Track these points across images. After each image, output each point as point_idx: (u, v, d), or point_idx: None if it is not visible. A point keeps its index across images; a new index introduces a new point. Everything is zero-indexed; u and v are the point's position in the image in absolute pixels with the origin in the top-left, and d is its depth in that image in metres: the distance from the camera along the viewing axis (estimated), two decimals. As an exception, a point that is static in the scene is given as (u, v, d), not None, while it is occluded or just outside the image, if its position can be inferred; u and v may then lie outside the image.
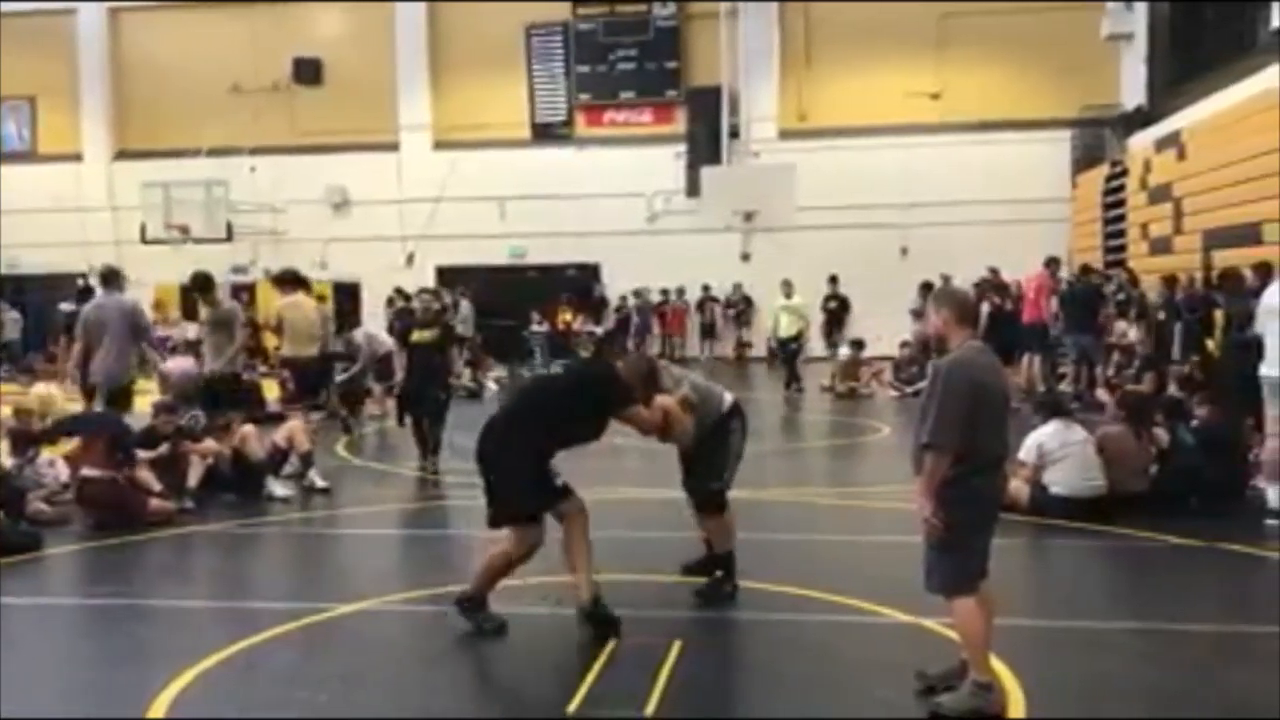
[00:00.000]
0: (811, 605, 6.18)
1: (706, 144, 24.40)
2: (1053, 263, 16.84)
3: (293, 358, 10.66)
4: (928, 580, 4.74)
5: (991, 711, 4.55)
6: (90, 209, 26.72)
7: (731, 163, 23.80)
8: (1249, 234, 14.55)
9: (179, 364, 12.11)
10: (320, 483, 9.64)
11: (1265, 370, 8.10)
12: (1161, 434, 8.75)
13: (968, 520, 4.60)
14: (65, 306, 24.35)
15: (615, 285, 25.47)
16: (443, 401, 10.76)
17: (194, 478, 9.15)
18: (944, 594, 4.70)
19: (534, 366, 22.40)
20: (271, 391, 16.38)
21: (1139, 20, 22.26)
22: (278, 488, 9.41)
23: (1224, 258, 14.10)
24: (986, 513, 4.75)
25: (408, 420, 10.98)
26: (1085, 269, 16.99)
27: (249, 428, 9.56)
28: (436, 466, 10.48)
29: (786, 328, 18.37)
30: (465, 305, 23.12)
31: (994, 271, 18.61)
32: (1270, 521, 7.91)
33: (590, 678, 5.02)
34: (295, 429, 9.78)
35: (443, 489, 10.09)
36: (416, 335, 10.76)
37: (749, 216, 22.64)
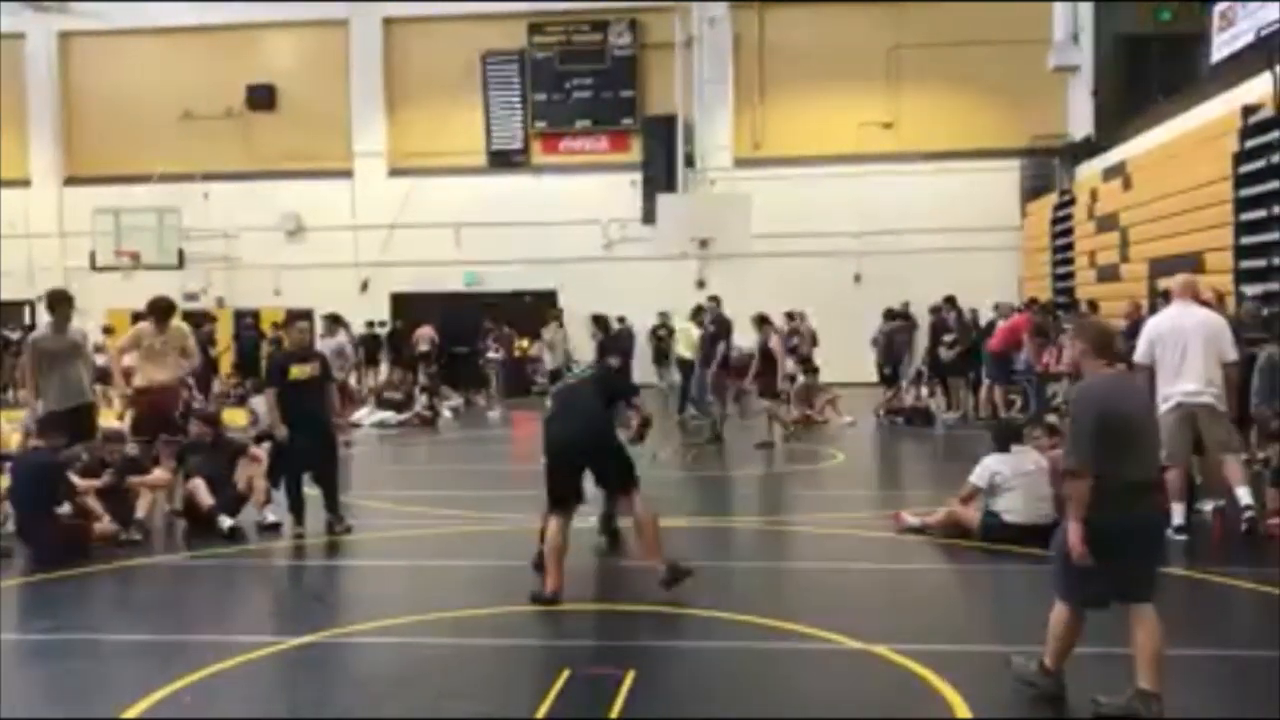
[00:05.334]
0: (764, 633, 6.18)
1: (662, 172, 24.55)
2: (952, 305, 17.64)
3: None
4: (1054, 581, 5.04)
5: (1043, 688, 5.03)
6: (38, 235, 26.33)
7: (687, 191, 23.95)
8: (1193, 263, 14.83)
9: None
10: (270, 518, 9.28)
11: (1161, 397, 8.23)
12: None
13: (1095, 539, 4.74)
14: (9, 334, 23.99)
15: (571, 312, 25.45)
16: (333, 449, 9.44)
17: (142, 509, 9.02)
18: (1057, 597, 4.98)
19: (490, 394, 22.33)
20: (237, 419, 16.31)
21: (1085, 54, 22.74)
22: (270, 514, 9.26)
23: (1169, 286, 14.33)
24: (1115, 539, 4.75)
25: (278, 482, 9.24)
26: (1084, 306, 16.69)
27: (198, 481, 9.25)
28: (344, 523, 9.13)
29: (684, 349, 18.45)
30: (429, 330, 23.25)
31: (950, 299, 18.84)
32: (1176, 537, 8.03)
33: (545, 708, 4.99)
34: (253, 473, 9.42)
35: (392, 521, 10.00)
36: (296, 370, 9.08)
37: (705, 244, 22.76)
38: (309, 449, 9.03)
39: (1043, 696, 5.01)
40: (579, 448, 7.01)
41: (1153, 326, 8.52)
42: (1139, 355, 8.38)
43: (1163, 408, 8.18)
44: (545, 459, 7.18)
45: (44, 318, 10.18)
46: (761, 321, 15.22)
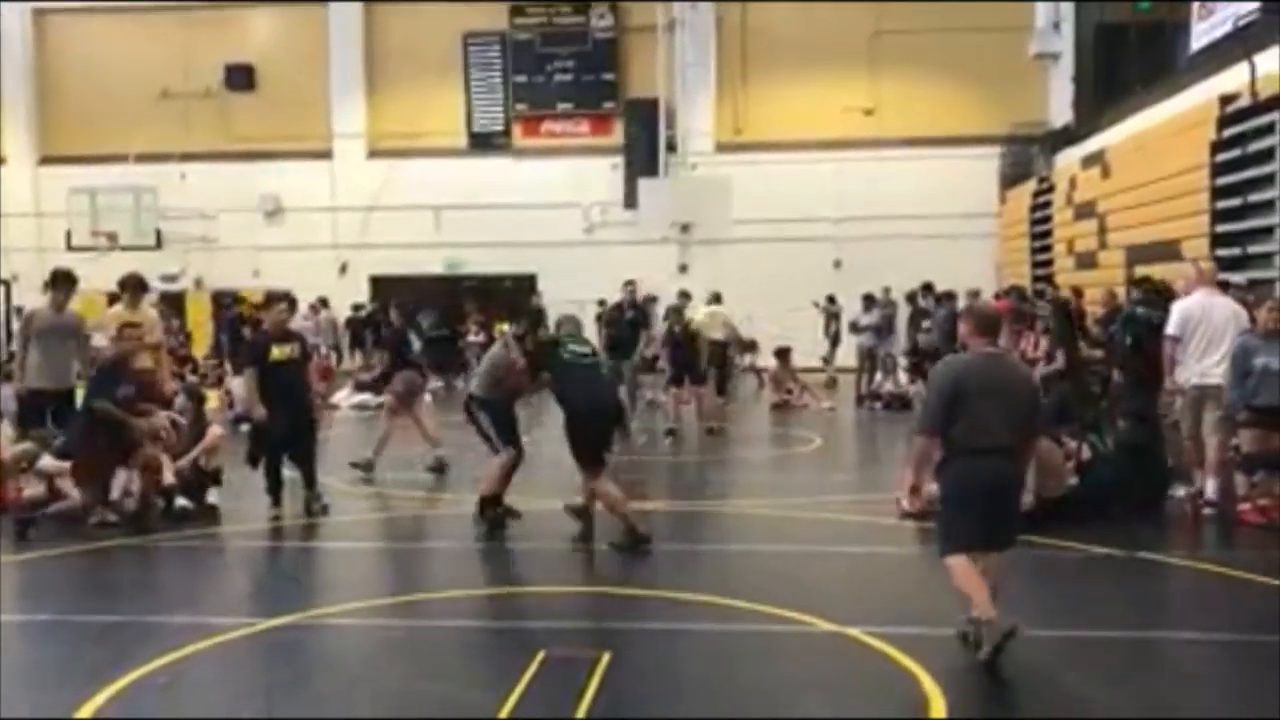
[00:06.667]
0: (739, 615, 6.21)
1: (644, 156, 24.48)
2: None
3: None
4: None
5: (977, 638, 5.34)
6: (13, 214, 26.05)
7: (668, 175, 23.90)
8: (1169, 250, 14.93)
9: None
10: (211, 499, 9.19)
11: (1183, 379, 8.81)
12: (1071, 445, 8.98)
13: (951, 495, 5.51)
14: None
15: (552, 296, 25.38)
16: (313, 429, 9.51)
17: (117, 489, 8.96)
18: (939, 553, 5.56)
19: (469, 378, 22.26)
20: (212, 401, 16.19)
21: (1065, 42, 22.79)
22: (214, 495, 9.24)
23: (1146, 273, 14.42)
24: (970, 493, 5.42)
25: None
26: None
27: (163, 457, 9.18)
28: (321, 501, 9.20)
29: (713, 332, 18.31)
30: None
31: (928, 286, 18.89)
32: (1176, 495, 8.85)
33: (519, 689, 5.00)
34: (209, 444, 9.37)
35: (368, 503, 9.99)
36: (277, 352, 9.10)
37: (686, 228, 22.74)
38: (289, 429, 9.02)
39: (999, 654, 5.19)
40: (613, 416, 8.27)
41: (1185, 309, 8.97)
42: (1174, 329, 8.86)
43: (1183, 385, 8.82)
44: (585, 422, 7.91)
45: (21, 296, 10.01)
46: (678, 311, 15.25)
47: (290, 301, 16.65)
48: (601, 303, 24.63)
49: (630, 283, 16.31)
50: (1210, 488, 8.77)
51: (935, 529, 5.60)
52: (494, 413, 8.54)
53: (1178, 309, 9.04)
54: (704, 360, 15.02)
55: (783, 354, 18.35)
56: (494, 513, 8.35)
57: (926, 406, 5.67)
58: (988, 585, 5.40)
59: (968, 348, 5.70)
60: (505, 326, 23.51)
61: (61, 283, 9.59)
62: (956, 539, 5.50)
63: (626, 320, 15.43)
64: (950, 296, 18.80)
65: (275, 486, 9.09)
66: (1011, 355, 6.14)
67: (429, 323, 23.10)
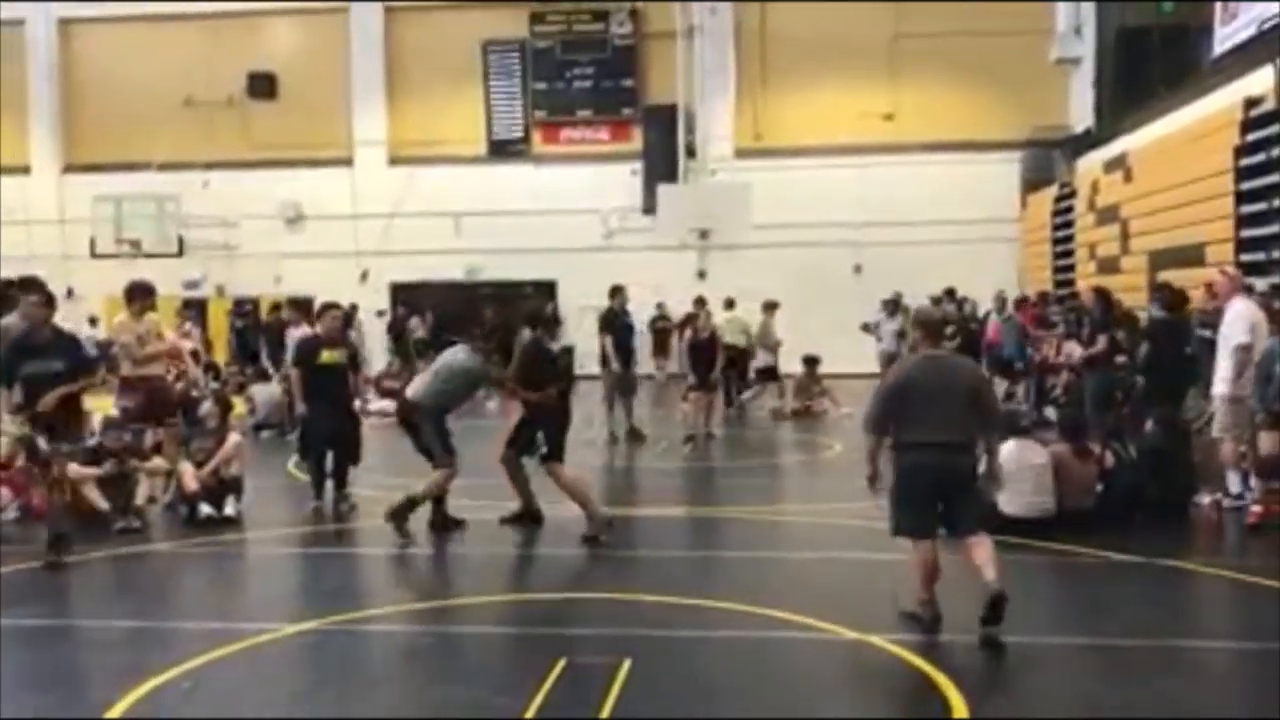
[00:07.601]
0: (761, 622, 6.21)
1: (663, 162, 24.48)
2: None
3: None
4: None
5: (923, 619, 5.95)
6: (38, 222, 26.28)
7: (688, 181, 23.90)
8: (1193, 255, 14.84)
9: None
10: (229, 511, 9.19)
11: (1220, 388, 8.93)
12: (1095, 451, 8.94)
13: (897, 484, 6.02)
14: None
15: (571, 302, 25.43)
16: (356, 429, 9.89)
17: (141, 496, 9.04)
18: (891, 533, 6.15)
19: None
20: (238, 409, 16.27)
21: (1087, 45, 22.68)
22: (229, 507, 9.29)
23: (1169, 278, 14.33)
24: (913, 483, 5.91)
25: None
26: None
27: (186, 465, 9.27)
28: (350, 504, 9.63)
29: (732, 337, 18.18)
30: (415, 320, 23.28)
31: (950, 291, 18.85)
32: (1235, 504, 8.80)
33: (540, 696, 5.01)
34: (226, 453, 9.45)
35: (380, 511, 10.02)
36: (327, 356, 9.67)
37: (705, 234, 22.73)
38: (334, 427, 9.60)
39: (926, 621, 5.89)
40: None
41: (1247, 316, 8.95)
42: (1246, 336, 8.83)
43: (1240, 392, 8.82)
44: (565, 412, 8.72)
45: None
46: (688, 319, 15.20)
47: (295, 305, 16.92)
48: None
49: (618, 289, 15.25)
50: (1235, 483, 8.85)
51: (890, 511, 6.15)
52: (437, 422, 8.68)
53: (1241, 317, 8.92)
54: (718, 367, 14.97)
55: (811, 362, 18.25)
56: (407, 517, 8.39)
57: (870, 407, 6.18)
58: (985, 573, 5.69)
59: (917, 349, 6.20)
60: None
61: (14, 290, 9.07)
62: (900, 527, 6.09)
63: (625, 325, 14.83)
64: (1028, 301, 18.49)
65: (319, 480, 9.63)
66: (953, 355, 6.63)
67: (428, 327, 23.25)
